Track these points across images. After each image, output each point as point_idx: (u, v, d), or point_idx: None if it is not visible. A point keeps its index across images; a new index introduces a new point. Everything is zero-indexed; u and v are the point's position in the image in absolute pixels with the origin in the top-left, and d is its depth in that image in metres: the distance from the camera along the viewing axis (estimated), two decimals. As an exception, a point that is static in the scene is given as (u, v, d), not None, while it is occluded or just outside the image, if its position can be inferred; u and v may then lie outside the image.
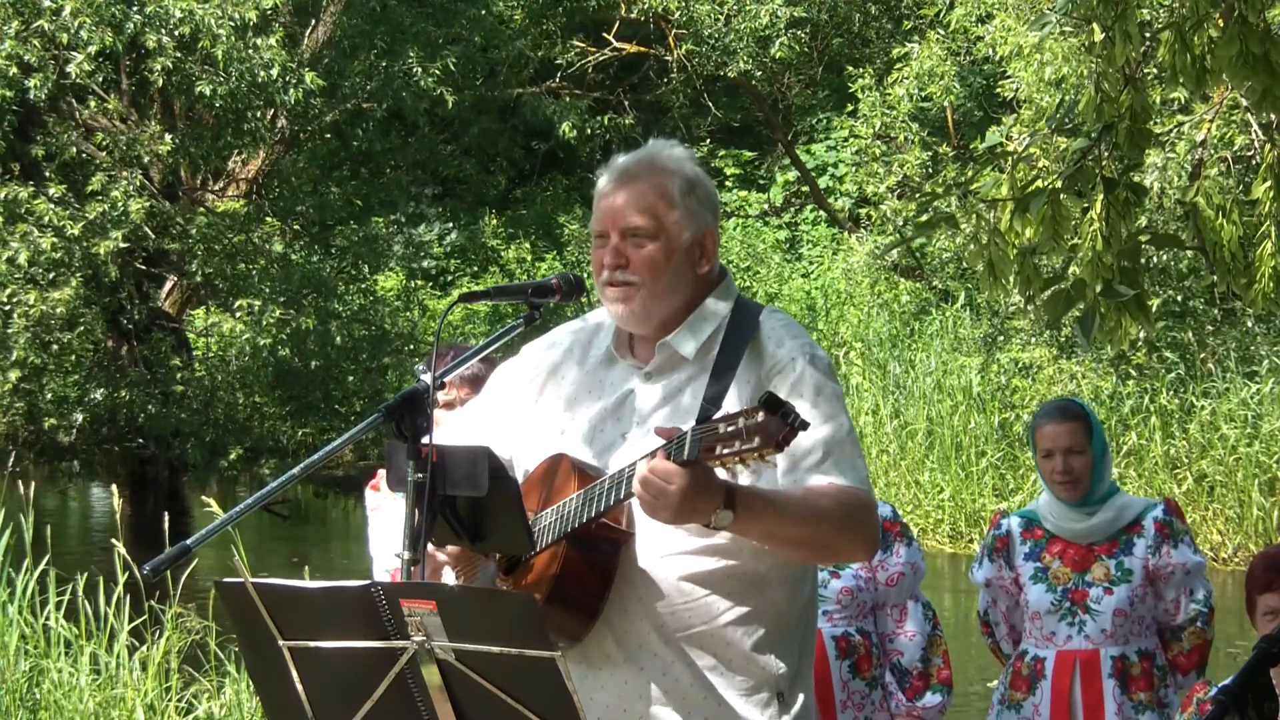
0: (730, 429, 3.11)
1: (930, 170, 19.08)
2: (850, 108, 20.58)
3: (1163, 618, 5.46)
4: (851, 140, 20.42)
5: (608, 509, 3.33)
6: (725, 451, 3.10)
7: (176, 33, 15.67)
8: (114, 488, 10.20)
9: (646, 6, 21.13)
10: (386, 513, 5.02)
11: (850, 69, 20.77)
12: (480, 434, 3.59)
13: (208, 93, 15.90)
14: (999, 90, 17.90)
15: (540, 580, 3.39)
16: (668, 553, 3.39)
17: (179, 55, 15.78)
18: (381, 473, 5.04)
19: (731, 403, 3.36)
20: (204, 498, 8.88)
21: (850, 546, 3.42)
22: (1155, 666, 5.42)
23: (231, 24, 15.75)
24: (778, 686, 3.45)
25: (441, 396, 5.09)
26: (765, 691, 3.44)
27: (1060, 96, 15.61)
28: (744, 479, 3.29)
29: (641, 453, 3.27)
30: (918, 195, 17.99)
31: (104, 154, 16.49)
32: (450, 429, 3.73)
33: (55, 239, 15.64)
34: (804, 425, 3.07)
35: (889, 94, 19.38)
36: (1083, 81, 15.14)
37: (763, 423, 3.07)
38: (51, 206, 15.75)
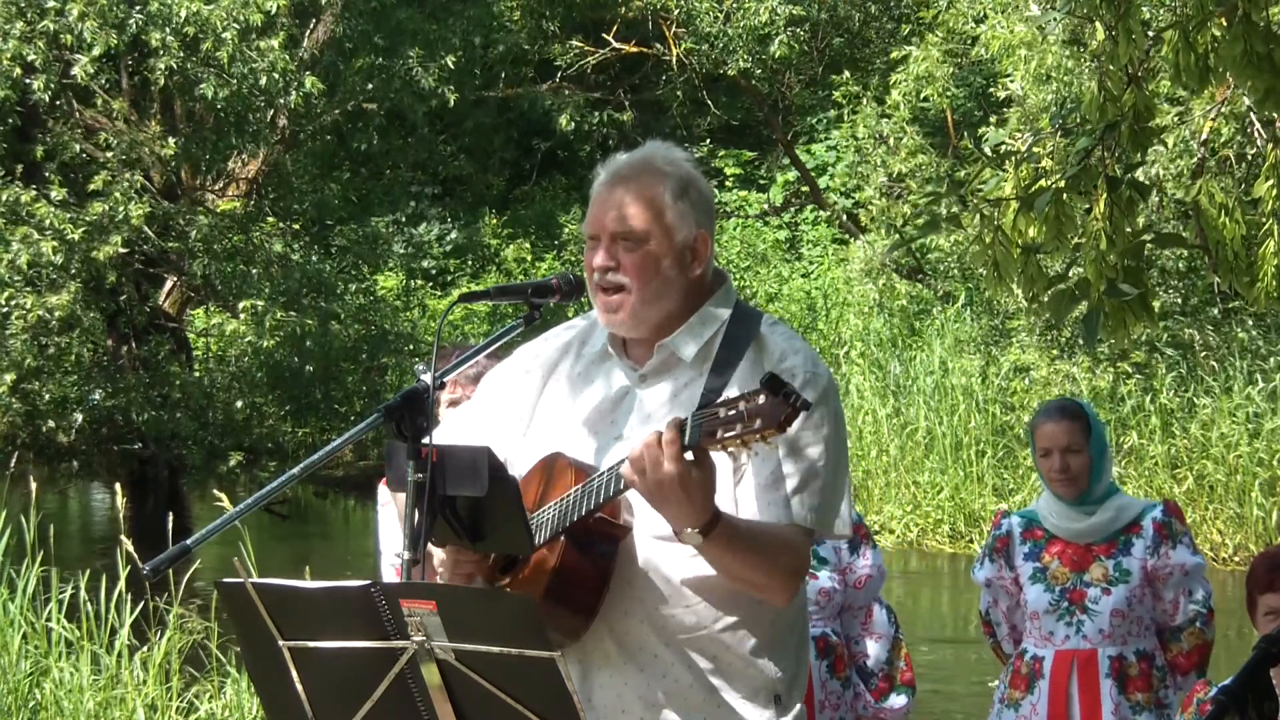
0: (731, 413, 3.09)
1: (930, 172, 19.06)
2: (848, 108, 20.56)
3: (1161, 618, 5.46)
4: (851, 141, 20.40)
5: (607, 500, 3.31)
6: (727, 435, 3.08)
7: (182, 31, 15.62)
8: (117, 487, 10.18)
9: (644, 3, 21.11)
10: (396, 509, 5.01)
11: (835, 77, 20.75)
12: (476, 435, 3.57)
13: (210, 95, 15.87)
14: (993, 92, 17.90)
15: (538, 577, 3.37)
16: (668, 555, 3.38)
17: (182, 55, 15.74)
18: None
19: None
20: (216, 491, 8.88)
21: (780, 593, 3.39)
22: (1154, 667, 5.43)
23: (237, 26, 15.72)
24: (775, 690, 3.44)
25: (447, 395, 5.09)
26: (764, 695, 3.43)
27: (1054, 91, 15.63)
28: (745, 464, 3.29)
29: None
30: (916, 197, 17.97)
31: (106, 154, 16.47)
32: (447, 430, 3.72)
33: (56, 242, 15.60)
34: (805, 405, 3.05)
35: (886, 98, 19.37)
36: (1074, 76, 15.17)
37: (764, 404, 3.04)
38: (52, 210, 15.73)
